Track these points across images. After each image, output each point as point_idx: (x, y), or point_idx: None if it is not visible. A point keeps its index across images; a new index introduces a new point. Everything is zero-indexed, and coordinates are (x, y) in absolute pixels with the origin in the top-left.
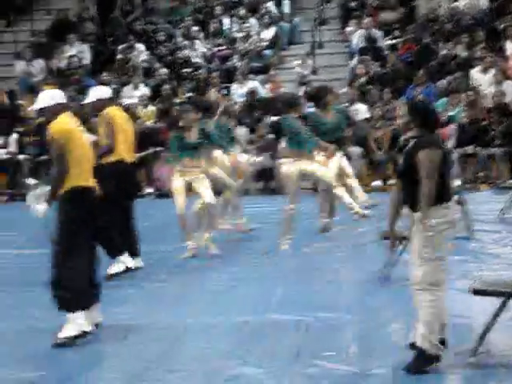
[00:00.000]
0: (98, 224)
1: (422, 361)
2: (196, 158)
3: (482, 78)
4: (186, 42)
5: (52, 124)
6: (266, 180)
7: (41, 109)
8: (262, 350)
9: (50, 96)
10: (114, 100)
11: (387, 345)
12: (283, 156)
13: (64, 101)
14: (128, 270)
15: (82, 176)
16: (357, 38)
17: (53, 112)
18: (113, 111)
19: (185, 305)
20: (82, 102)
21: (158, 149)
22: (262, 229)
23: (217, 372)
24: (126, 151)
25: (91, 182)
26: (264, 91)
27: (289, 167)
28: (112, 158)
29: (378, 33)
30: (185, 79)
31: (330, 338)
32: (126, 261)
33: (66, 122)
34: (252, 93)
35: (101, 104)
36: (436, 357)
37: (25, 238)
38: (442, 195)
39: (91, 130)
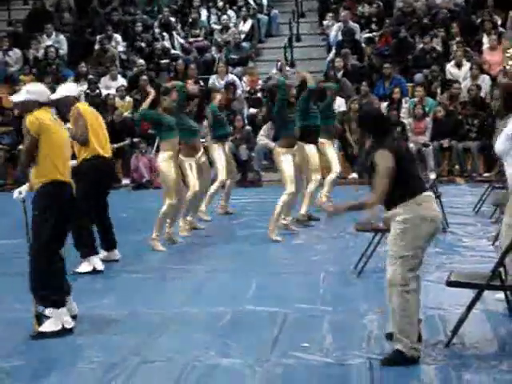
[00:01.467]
0: (72, 221)
1: (399, 360)
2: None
3: (457, 72)
4: (164, 33)
5: (27, 117)
6: (243, 172)
7: (17, 102)
8: (239, 341)
9: (29, 91)
10: (79, 98)
11: (363, 335)
12: (279, 145)
13: (44, 96)
14: (95, 271)
15: (58, 170)
16: (334, 31)
17: (28, 107)
18: (82, 107)
19: (162, 296)
20: (51, 98)
21: (135, 140)
22: (239, 220)
23: (194, 363)
24: (100, 146)
25: (68, 177)
26: (242, 83)
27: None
28: (87, 154)
29: (355, 26)
30: (162, 70)
31: (307, 329)
32: (95, 263)
33: (41, 117)
34: (231, 85)
35: (67, 101)
36: (410, 356)
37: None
38: (411, 191)
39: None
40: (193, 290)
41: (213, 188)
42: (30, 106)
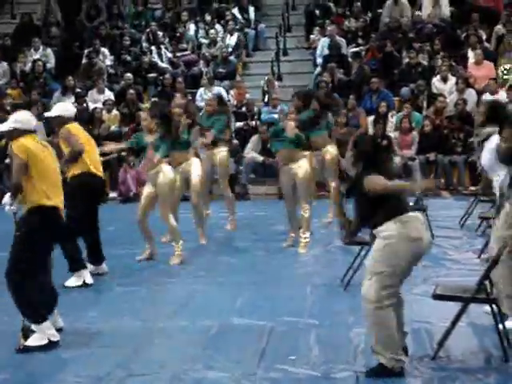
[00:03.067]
0: (61, 238)
1: (381, 372)
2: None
3: (443, 86)
4: (152, 47)
5: (14, 144)
6: (231, 185)
7: (4, 131)
8: (225, 354)
9: (16, 120)
10: (74, 119)
11: (350, 349)
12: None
13: (30, 125)
14: (85, 285)
15: (45, 195)
16: (321, 46)
17: (15, 135)
18: (72, 126)
19: (149, 309)
20: (46, 115)
21: (123, 153)
22: (226, 234)
23: (180, 376)
24: (91, 164)
25: (56, 201)
26: (229, 97)
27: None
28: (78, 170)
29: (342, 40)
30: (150, 84)
31: (293, 342)
32: (85, 276)
33: (26, 144)
34: (218, 98)
35: (61, 120)
36: (393, 370)
37: None
38: (396, 210)
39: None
40: (180, 303)
41: None
42: (16, 134)
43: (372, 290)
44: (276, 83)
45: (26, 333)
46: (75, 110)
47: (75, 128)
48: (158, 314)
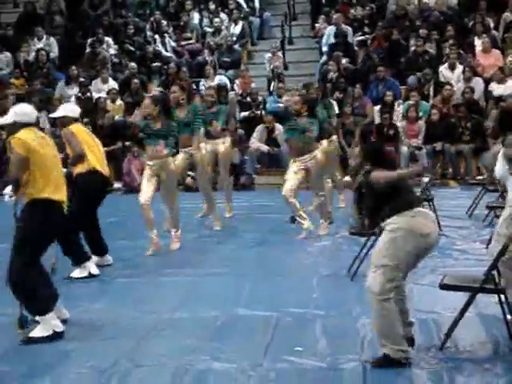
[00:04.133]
0: (65, 232)
1: (386, 363)
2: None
3: (450, 75)
4: (156, 37)
5: (13, 140)
6: (236, 175)
7: (5, 124)
8: (231, 345)
9: (17, 113)
10: (79, 119)
11: (356, 339)
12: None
13: (32, 118)
14: (90, 276)
15: (47, 189)
16: (327, 34)
17: (16, 128)
18: (76, 127)
19: (153, 300)
20: (51, 115)
21: (127, 143)
22: (229, 224)
23: (186, 367)
24: (97, 162)
25: (58, 195)
26: (234, 86)
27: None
28: (83, 169)
29: (348, 29)
30: (154, 73)
31: (300, 333)
32: (90, 267)
33: (25, 138)
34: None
35: (66, 121)
36: (398, 360)
37: None
38: (405, 203)
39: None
40: (185, 294)
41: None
42: (16, 127)
43: (376, 282)
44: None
45: (23, 323)
46: (80, 110)
47: (78, 129)
48: (163, 306)
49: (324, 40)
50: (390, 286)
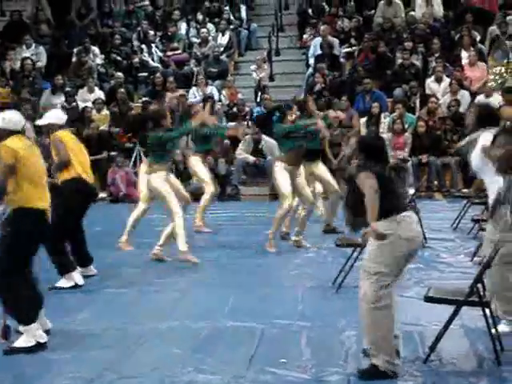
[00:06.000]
0: (49, 242)
1: (374, 374)
2: None
3: (436, 87)
4: (143, 46)
5: (1, 145)
6: (222, 186)
7: None
8: (216, 356)
9: (5, 119)
10: (66, 126)
11: (341, 352)
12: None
13: (19, 126)
14: (75, 286)
15: (33, 196)
16: (313, 46)
17: (2, 135)
18: (62, 134)
19: (138, 311)
20: (37, 122)
21: (112, 153)
22: (217, 235)
23: (170, 379)
24: (82, 170)
25: (42, 203)
26: (221, 97)
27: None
28: (68, 176)
29: (334, 40)
30: (140, 83)
31: (285, 344)
32: (75, 278)
33: (13, 147)
34: (209, 98)
35: (53, 127)
36: (387, 371)
37: None
38: (390, 208)
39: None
40: (170, 304)
41: (207, 200)
42: (3, 134)
43: (370, 290)
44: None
45: (7, 332)
46: (66, 117)
47: (65, 136)
48: (148, 316)
49: (311, 51)
50: (384, 292)
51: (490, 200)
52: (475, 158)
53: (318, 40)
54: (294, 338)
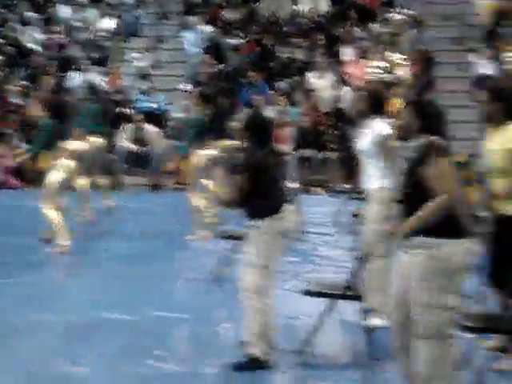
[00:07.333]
0: None
1: (251, 365)
2: None
3: (319, 83)
4: (22, 28)
5: None
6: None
7: None
8: (91, 349)
9: None
10: None
11: (219, 344)
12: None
13: None
14: None
15: None
16: (198, 36)
17: None
18: None
19: (15, 304)
20: None
21: None
22: (100, 225)
23: (44, 372)
24: None
25: None
26: (103, 83)
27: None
28: None
29: (219, 31)
30: (19, 66)
31: (162, 337)
32: None
33: None
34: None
35: None
36: (265, 362)
37: None
38: (272, 202)
39: None
40: (46, 296)
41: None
42: None
43: (254, 281)
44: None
45: None
46: None
47: None
48: (24, 309)
49: (196, 41)
50: (265, 283)
51: (369, 186)
52: (365, 142)
53: (204, 30)
54: (171, 331)
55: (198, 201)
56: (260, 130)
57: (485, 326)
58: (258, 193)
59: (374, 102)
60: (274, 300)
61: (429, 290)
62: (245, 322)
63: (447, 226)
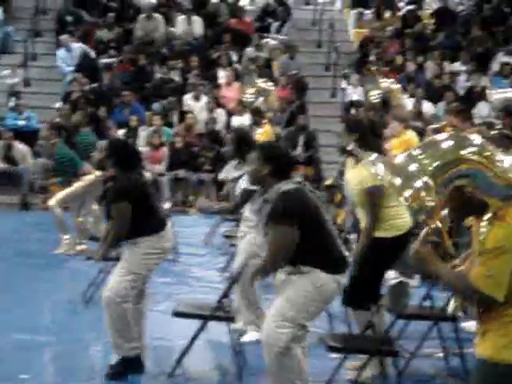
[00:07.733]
0: None
1: (125, 365)
2: None
3: (194, 105)
4: None
5: None
6: None
7: None
8: None
9: None
10: None
11: (87, 366)
12: None
13: None
14: None
15: None
16: (71, 54)
17: None
18: None
19: None
20: None
21: None
22: None
23: None
24: None
25: None
26: None
27: None
28: None
29: (93, 50)
30: None
31: (27, 360)
32: None
33: None
34: None
35: None
36: (135, 358)
37: None
38: (155, 226)
39: None
40: None
41: None
42: None
43: (121, 285)
44: None
45: None
46: None
47: None
48: None
49: (68, 59)
50: (132, 292)
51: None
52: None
53: (76, 48)
54: (38, 353)
55: (61, 213)
56: (124, 156)
57: (343, 345)
58: (141, 215)
59: (238, 146)
60: (145, 321)
61: (291, 304)
62: (108, 328)
63: (321, 260)
